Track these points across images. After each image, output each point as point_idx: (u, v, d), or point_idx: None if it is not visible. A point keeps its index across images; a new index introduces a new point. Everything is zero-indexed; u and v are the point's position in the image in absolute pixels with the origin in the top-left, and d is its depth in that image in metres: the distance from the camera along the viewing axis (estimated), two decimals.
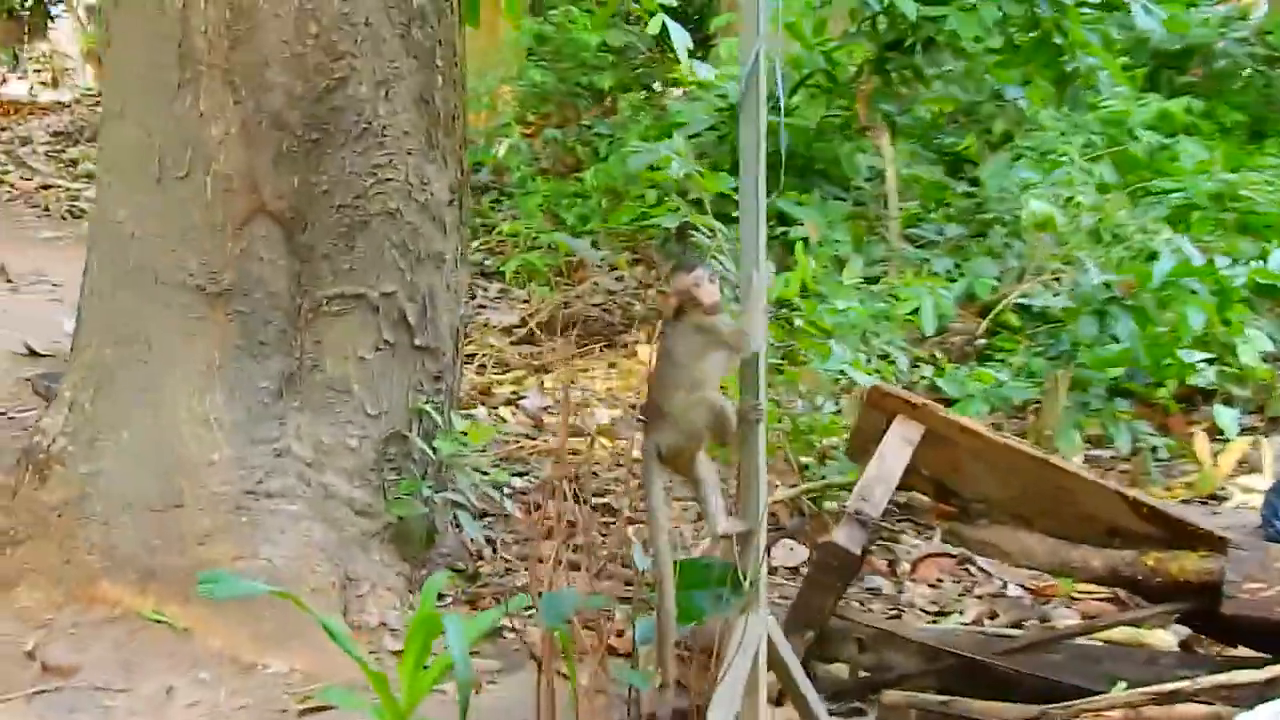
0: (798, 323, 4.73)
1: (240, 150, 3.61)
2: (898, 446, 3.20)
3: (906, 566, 4.27)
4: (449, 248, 3.96)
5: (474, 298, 8.63)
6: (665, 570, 2.68)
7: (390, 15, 3.72)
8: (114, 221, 3.72)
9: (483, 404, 5.73)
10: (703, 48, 12.83)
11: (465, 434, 4.04)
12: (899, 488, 3.23)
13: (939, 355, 5.61)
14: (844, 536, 3.05)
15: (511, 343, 6.93)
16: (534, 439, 5.39)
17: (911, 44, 6.93)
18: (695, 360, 2.65)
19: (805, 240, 6.64)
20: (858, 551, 3.05)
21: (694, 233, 5.02)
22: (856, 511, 3.08)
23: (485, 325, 7.08)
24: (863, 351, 4.96)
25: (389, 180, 3.76)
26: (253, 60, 3.59)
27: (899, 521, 4.56)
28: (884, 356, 5.13)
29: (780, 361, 4.71)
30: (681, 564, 2.73)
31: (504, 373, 6.57)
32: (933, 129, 8.44)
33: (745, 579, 2.62)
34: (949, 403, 5.30)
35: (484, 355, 6.39)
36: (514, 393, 6.11)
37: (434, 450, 3.90)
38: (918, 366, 5.34)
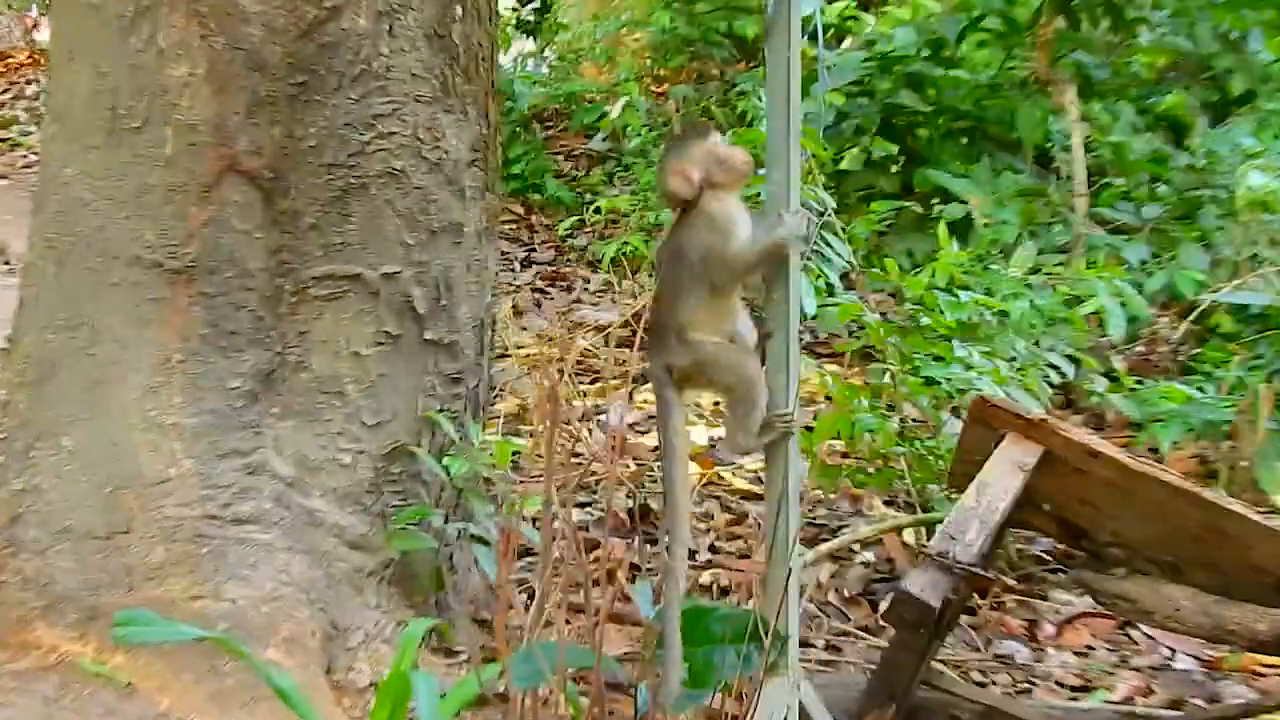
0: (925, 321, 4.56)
1: (208, 96, 3.52)
2: (1005, 472, 3.06)
3: (1051, 629, 4.10)
4: (470, 218, 3.86)
5: (570, 289, 8.63)
6: (679, 533, 2.62)
7: None
8: (59, 182, 3.66)
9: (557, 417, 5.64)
10: None
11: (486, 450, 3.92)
12: (1010, 525, 3.08)
13: (1119, 367, 5.42)
14: (921, 584, 2.90)
15: (610, 346, 6.87)
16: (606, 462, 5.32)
17: None
18: (723, 228, 2.60)
19: (968, 220, 6.48)
20: (936, 604, 2.90)
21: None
22: (940, 553, 2.92)
23: (577, 325, 7.05)
24: (1030, 355, 4.82)
25: (393, 134, 3.66)
26: None
27: (1048, 570, 4.40)
28: (1054, 367, 4.96)
29: (904, 369, 4.55)
30: (688, 612, 2.61)
31: (591, 381, 6.51)
32: (1141, 85, 8.21)
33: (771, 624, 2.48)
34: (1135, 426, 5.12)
35: (570, 360, 6.34)
36: (596, 406, 6.06)
37: (447, 470, 3.80)
38: (1088, 380, 5.15)
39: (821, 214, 4.80)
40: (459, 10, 3.75)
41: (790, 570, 2.55)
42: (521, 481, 4.45)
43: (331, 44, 3.57)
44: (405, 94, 3.67)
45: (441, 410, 3.83)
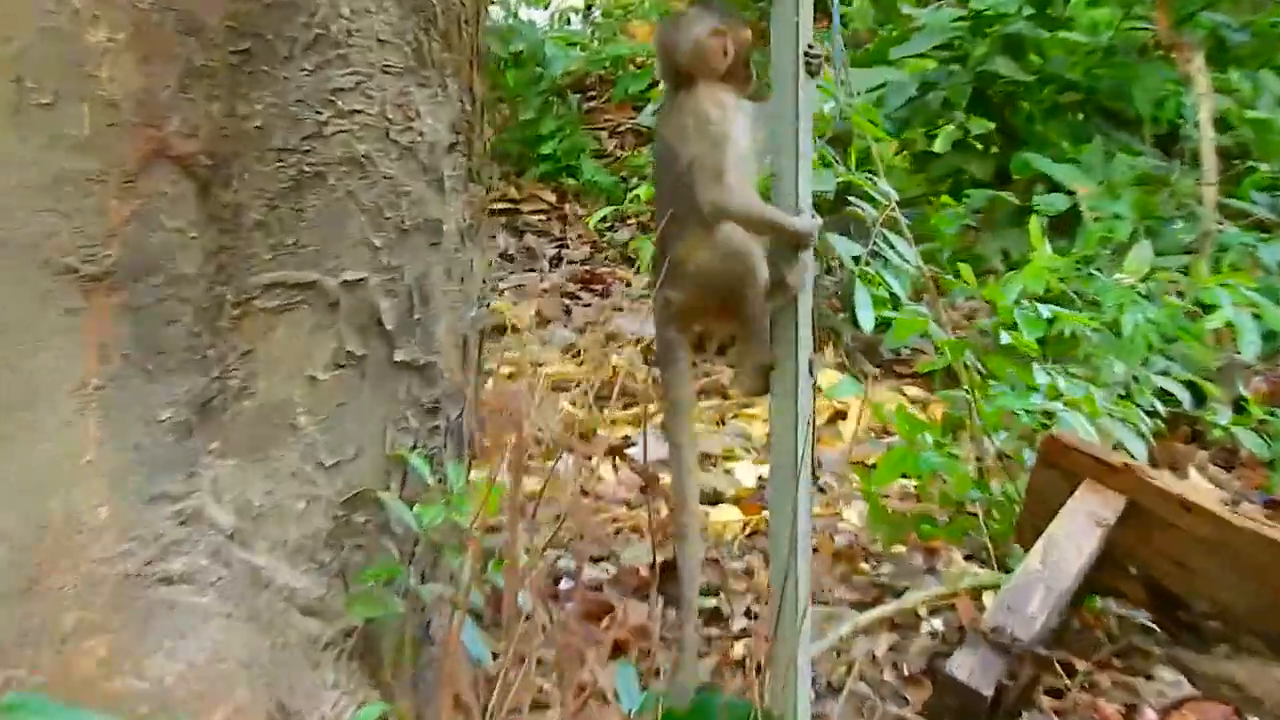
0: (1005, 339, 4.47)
1: (132, 65, 3.45)
2: (1080, 528, 3.01)
3: (1152, 716, 3.99)
4: (450, 213, 3.81)
5: (607, 294, 8.58)
6: (688, 493, 2.65)
7: None
8: None
9: (575, 452, 5.61)
10: None
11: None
12: (1088, 591, 3.00)
13: (1248, 395, 5.32)
14: (969, 667, 2.83)
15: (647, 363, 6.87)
16: (634, 506, 5.30)
17: None
18: (712, 149, 2.64)
19: (1075, 212, 6.40)
20: (988, 691, 2.81)
21: (854, 203, 4.77)
22: (994, 629, 2.83)
23: (611, 337, 7.08)
24: (1136, 378, 4.74)
25: (355, 112, 3.61)
26: None
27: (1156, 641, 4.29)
28: (1166, 394, 4.86)
29: (983, 396, 4.45)
30: (690, 710, 2.58)
31: (626, 406, 6.49)
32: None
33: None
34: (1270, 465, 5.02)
35: (598, 381, 6.32)
36: (626, 438, 6.03)
37: (421, 520, 3.75)
38: (1212, 409, 5.04)
39: (888, 207, 4.71)
40: None
41: (799, 643, 2.47)
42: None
43: (281, 3, 3.52)
44: (371, 64, 3.62)
45: (415, 447, 3.78)
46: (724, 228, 2.82)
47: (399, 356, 3.74)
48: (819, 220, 2.87)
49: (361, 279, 3.66)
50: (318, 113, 3.57)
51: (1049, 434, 3.28)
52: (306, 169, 3.58)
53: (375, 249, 3.67)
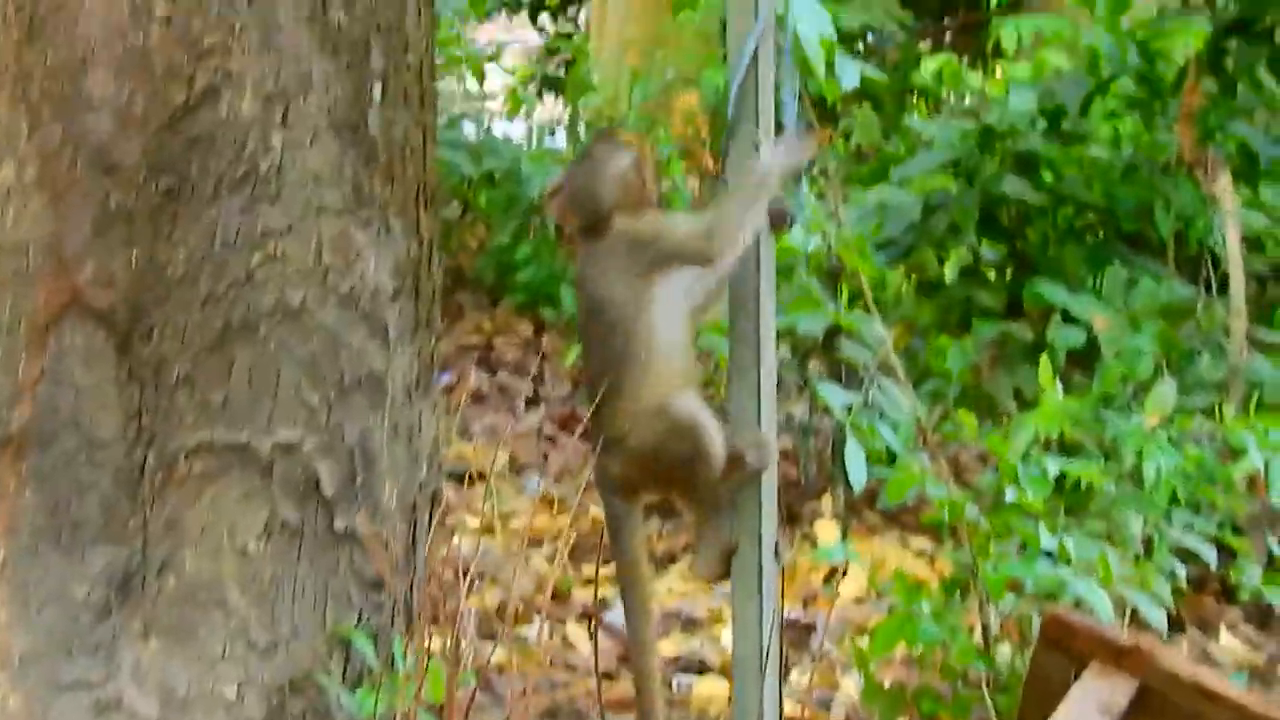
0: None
1: (41, 207, 3.49)
2: (1086, 716, 2.94)
3: None
4: (396, 367, 3.78)
5: (587, 438, 8.51)
6: (648, 672, 2.95)
7: None
8: None
9: (543, 614, 5.56)
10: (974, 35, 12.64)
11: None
12: None
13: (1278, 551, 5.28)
14: None
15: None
16: (613, 678, 5.22)
17: (1269, 26, 6.64)
18: (639, 300, 2.64)
19: (1093, 345, 6.38)
20: None
21: (848, 341, 4.76)
22: None
23: (590, 485, 7.00)
24: (1156, 535, 4.71)
25: (288, 256, 3.60)
26: (61, 60, 3.48)
27: None
28: (1189, 553, 4.82)
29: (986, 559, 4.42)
30: None
31: (607, 563, 6.44)
32: None
33: None
34: None
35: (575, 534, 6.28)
36: (604, 600, 5.98)
37: (366, 706, 3.69)
38: (1238, 565, 5.00)
39: (883, 350, 4.70)
40: (377, 91, 3.70)
41: None
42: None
43: (206, 137, 3.53)
44: (305, 203, 3.61)
45: (358, 624, 3.74)
46: (669, 399, 2.78)
47: (339, 525, 3.70)
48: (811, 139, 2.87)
49: (297, 441, 3.63)
50: (247, 257, 3.56)
51: (1050, 612, 3.26)
52: (235, 319, 3.56)
53: (312, 407, 3.64)
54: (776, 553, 2.87)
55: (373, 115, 3.70)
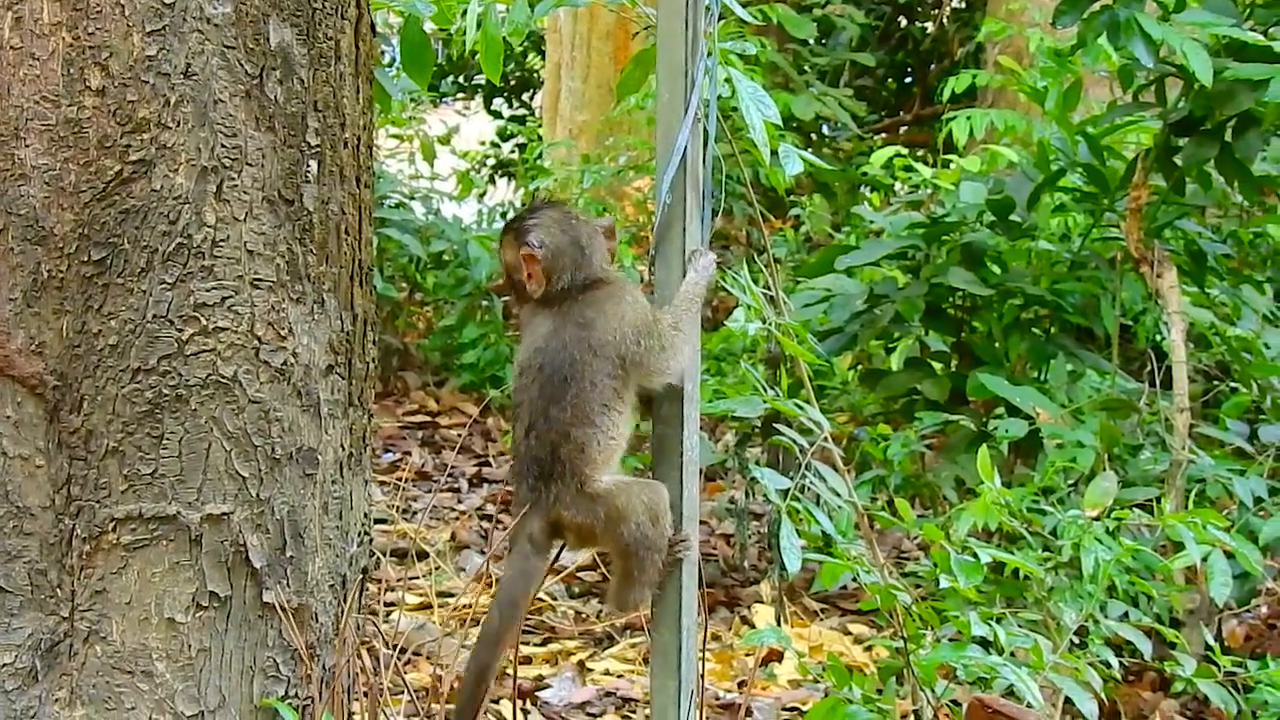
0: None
1: None
2: None
3: None
4: (328, 442, 3.79)
5: None
6: None
7: (228, 60, 3.57)
8: None
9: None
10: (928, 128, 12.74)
11: None
12: None
13: (1216, 642, 5.27)
14: None
15: (573, 596, 6.87)
16: None
17: (1218, 124, 6.64)
18: (619, 390, 2.67)
19: (1036, 437, 6.40)
20: None
21: (786, 430, 4.76)
22: None
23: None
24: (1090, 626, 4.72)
25: (220, 330, 3.60)
26: None
27: None
28: (1125, 644, 4.83)
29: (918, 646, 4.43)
30: None
31: (543, 642, 6.45)
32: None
33: None
34: None
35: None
36: (540, 678, 5.98)
37: None
38: (1173, 658, 5.00)
39: (821, 437, 4.70)
40: (312, 167, 3.71)
41: None
42: None
43: (138, 209, 3.53)
44: (238, 277, 3.61)
45: (286, 697, 3.73)
46: (632, 480, 2.82)
47: (268, 598, 3.69)
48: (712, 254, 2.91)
49: (226, 513, 3.62)
50: (179, 330, 3.56)
51: (975, 698, 3.24)
52: (166, 391, 3.56)
53: (242, 480, 3.63)
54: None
55: (308, 191, 3.71)
